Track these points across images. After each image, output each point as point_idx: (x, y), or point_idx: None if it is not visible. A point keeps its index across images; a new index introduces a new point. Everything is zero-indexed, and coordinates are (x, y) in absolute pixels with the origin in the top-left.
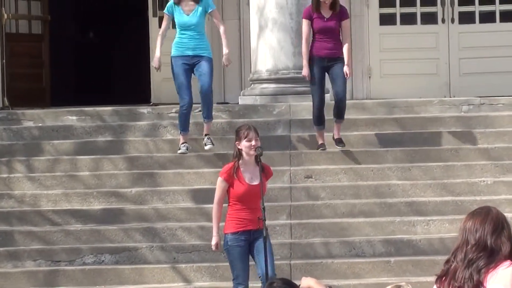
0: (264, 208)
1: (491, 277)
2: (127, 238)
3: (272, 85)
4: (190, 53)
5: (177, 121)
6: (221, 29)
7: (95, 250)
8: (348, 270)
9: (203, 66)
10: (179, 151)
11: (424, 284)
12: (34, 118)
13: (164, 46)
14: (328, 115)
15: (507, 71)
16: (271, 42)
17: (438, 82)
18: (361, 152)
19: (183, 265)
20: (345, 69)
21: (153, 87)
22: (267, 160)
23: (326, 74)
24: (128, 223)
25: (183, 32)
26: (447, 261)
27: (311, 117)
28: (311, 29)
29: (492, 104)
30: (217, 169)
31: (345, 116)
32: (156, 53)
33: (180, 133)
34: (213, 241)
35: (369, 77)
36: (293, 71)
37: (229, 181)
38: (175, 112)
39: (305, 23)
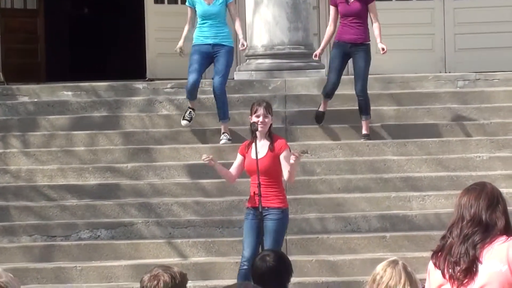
0: (259, 184)
1: (487, 252)
2: (123, 213)
3: (268, 61)
4: (210, 41)
5: (172, 97)
6: (237, 22)
7: (91, 225)
8: (344, 245)
9: (221, 60)
10: (182, 122)
11: (420, 260)
12: (29, 93)
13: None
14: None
15: (502, 46)
16: (266, 17)
17: (433, 58)
18: (356, 128)
19: (179, 240)
20: (380, 46)
21: (149, 62)
22: None
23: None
24: (124, 198)
25: (204, 21)
26: (443, 237)
27: (307, 93)
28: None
29: (488, 80)
30: (212, 145)
31: (342, 92)
32: (179, 43)
33: (187, 98)
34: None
35: None
36: (288, 46)
37: (242, 154)
38: (171, 88)
39: (331, 9)
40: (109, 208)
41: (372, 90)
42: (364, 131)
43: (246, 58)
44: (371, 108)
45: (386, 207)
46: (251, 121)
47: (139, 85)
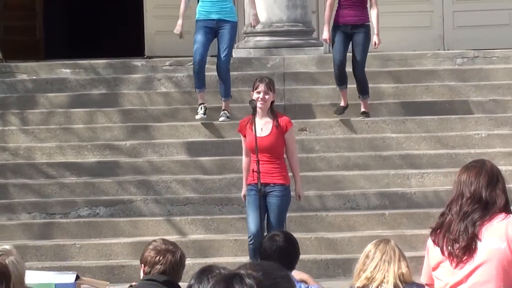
0: (258, 161)
1: (486, 229)
2: (122, 190)
3: (266, 38)
4: (214, 17)
5: (171, 74)
6: None
7: (90, 202)
8: (343, 222)
9: (225, 37)
10: (197, 116)
11: (419, 237)
12: (28, 71)
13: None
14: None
15: (501, 24)
16: None
17: (432, 35)
18: (355, 105)
19: (178, 218)
20: (375, 39)
21: (147, 40)
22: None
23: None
24: (123, 175)
25: None
26: (442, 214)
27: (306, 70)
28: None
29: (486, 57)
30: (211, 122)
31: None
32: (179, 21)
33: (196, 90)
34: (242, 193)
35: None
36: (287, 24)
37: (242, 132)
38: (169, 65)
39: None
40: (108, 186)
41: (370, 67)
42: (362, 109)
43: (244, 35)
44: (370, 85)
45: (385, 185)
46: (253, 97)
47: (138, 62)
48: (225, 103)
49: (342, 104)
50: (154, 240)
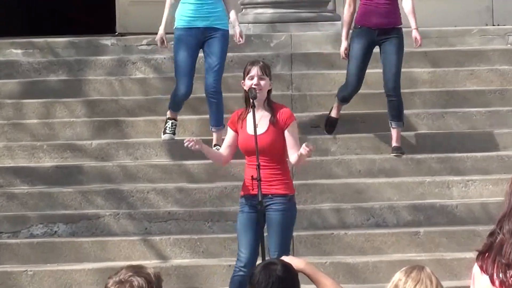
0: (258, 165)
1: None
2: (86, 203)
3: (269, 10)
4: (200, 24)
5: (149, 56)
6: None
7: (46, 218)
8: (366, 243)
9: (215, 49)
10: (163, 136)
11: (461, 262)
12: None
13: None
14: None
15: None
16: None
17: (477, 7)
18: (381, 95)
19: (157, 238)
20: (415, 34)
21: (119, 12)
22: None
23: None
24: (87, 184)
25: None
26: (492, 233)
27: (319, 51)
28: None
29: None
30: (200, 116)
31: None
32: (160, 29)
33: (169, 109)
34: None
35: None
36: None
37: (234, 129)
38: (147, 45)
39: None
40: (69, 197)
41: None
42: (394, 143)
43: (241, 7)
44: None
45: (419, 195)
46: (245, 87)
47: (107, 41)
48: (217, 134)
49: (333, 115)
50: (123, 268)
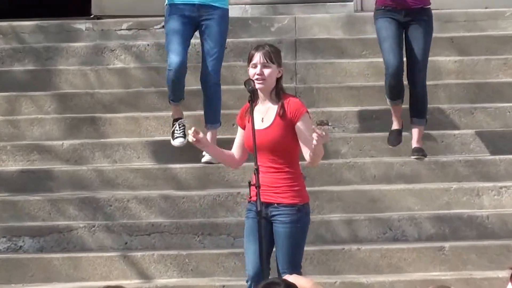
0: (257, 169)
1: None
2: (57, 213)
3: None
4: (196, 0)
5: (130, 42)
6: None
7: (9, 231)
8: (382, 260)
9: (212, 31)
10: (173, 142)
11: (493, 281)
12: None
13: None
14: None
15: None
16: None
17: None
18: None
19: (139, 254)
20: None
21: None
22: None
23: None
24: (58, 191)
25: None
26: None
27: (327, 36)
28: None
29: None
30: (192, 112)
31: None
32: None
33: (170, 101)
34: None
35: None
36: None
37: (242, 125)
38: (127, 29)
39: None
40: (37, 206)
41: None
42: (415, 144)
43: None
44: None
45: (444, 205)
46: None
47: (81, 25)
48: (212, 133)
49: (395, 126)
50: None
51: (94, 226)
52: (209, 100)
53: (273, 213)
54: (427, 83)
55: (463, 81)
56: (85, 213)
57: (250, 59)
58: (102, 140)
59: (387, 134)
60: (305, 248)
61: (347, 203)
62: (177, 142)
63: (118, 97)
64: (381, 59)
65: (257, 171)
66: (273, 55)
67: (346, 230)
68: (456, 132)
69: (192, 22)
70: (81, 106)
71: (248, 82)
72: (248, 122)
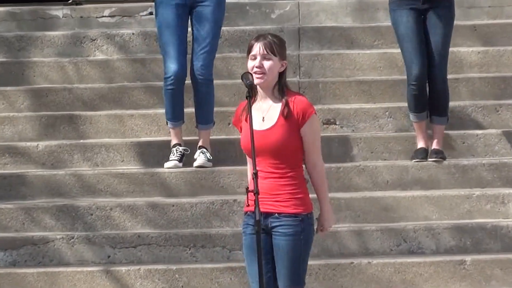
0: (256, 173)
1: None
2: (31, 223)
3: None
4: None
5: (112, 31)
6: None
7: None
8: (396, 276)
9: (205, 20)
10: (167, 164)
11: None
12: None
13: None
14: None
15: None
16: None
17: None
18: None
19: (123, 268)
20: None
21: None
22: None
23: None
24: (33, 198)
25: None
26: None
27: (335, 24)
28: None
29: None
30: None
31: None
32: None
33: (167, 123)
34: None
35: None
36: None
37: (238, 125)
38: (109, 16)
39: None
40: (8, 215)
41: None
42: (434, 145)
43: None
44: None
45: (466, 213)
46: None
47: (58, 11)
48: (205, 134)
49: (421, 145)
50: None
51: (73, 238)
52: (200, 99)
53: (274, 224)
54: (448, 77)
55: (487, 74)
56: (63, 223)
57: (249, 50)
58: (81, 141)
59: (401, 134)
60: (310, 262)
61: (356, 212)
62: (169, 164)
63: (99, 93)
64: (395, 50)
65: (256, 175)
66: (276, 46)
67: (356, 242)
68: (479, 132)
69: (187, 11)
70: (58, 102)
71: (246, 76)
72: (246, 121)
